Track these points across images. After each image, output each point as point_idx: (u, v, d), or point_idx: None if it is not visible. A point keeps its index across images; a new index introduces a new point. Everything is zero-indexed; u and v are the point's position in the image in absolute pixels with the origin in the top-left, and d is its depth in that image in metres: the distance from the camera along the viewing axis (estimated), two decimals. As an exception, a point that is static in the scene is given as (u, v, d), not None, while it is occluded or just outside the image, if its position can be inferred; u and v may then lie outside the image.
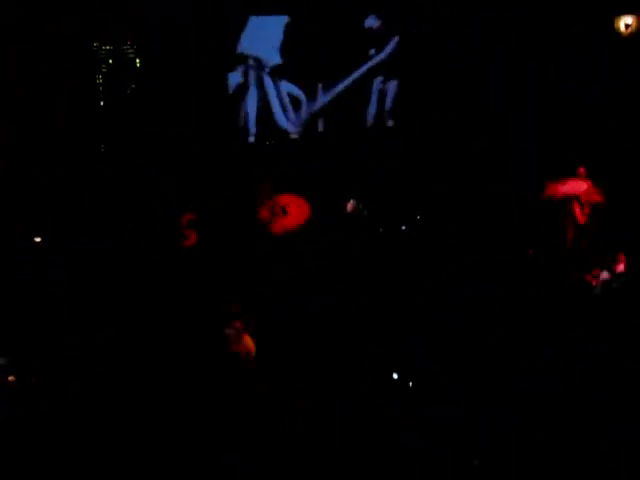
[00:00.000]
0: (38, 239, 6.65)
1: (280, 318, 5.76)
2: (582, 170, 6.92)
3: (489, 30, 7.67)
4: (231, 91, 8.07)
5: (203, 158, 7.74)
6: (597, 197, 6.93)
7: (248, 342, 5.16)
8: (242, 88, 8.11)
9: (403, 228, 7.21)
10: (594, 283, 6.15)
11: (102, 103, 7.74)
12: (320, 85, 8.18)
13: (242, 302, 5.55)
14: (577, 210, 6.92)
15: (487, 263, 6.55)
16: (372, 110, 8.27)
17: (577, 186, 6.93)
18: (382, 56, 8.16)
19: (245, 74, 8.13)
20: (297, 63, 8.12)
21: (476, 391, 4.75)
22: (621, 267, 6.16)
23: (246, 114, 8.14)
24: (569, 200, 6.94)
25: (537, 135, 7.68)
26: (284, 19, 8.00)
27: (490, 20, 7.61)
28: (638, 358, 4.98)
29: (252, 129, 8.18)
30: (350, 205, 7.34)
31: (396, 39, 8.09)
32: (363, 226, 7.16)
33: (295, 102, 8.23)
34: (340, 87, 8.21)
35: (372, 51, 8.16)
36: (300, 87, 8.21)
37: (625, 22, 7.28)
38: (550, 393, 4.68)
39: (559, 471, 4.14)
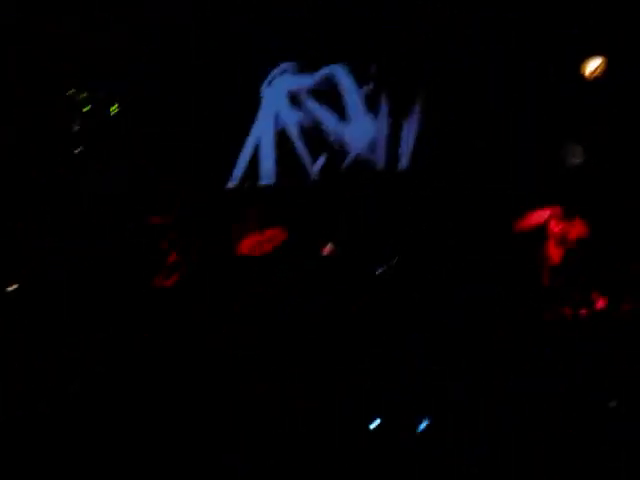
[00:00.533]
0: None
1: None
2: (559, 209, 6.66)
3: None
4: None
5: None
6: (576, 231, 6.76)
7: None
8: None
9: (379, 272, 7.03)
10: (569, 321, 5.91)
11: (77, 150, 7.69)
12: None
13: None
14: (552, 249, 6.75)
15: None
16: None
17: (541, 215, 6.77)
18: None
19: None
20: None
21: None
22: (601, 304, 5.94)
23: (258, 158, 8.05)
24: (542, 238, 6.79)
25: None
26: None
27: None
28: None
29: (270, 172, 8.06)
30: (327, 249, 7.18)
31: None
32: (339, 269, 7.00)
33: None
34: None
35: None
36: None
37: (590, 66, 7.29)
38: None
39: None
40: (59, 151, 7.48)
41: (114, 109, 7.59)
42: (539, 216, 6.76)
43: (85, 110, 7.56)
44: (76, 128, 7.53)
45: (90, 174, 7.54)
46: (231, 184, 8.02)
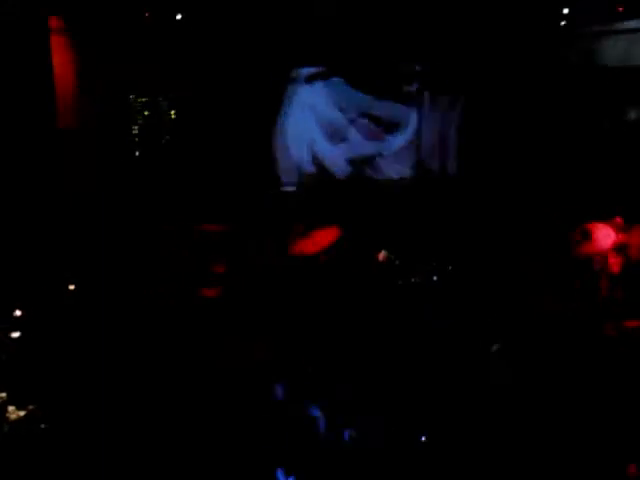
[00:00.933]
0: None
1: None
2: (619, 219, 6.41)
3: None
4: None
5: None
6: (635, 240, 6.56)
7: None
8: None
9: (435, 279, 6.98)
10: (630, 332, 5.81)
11: (137, 153, 7.81)
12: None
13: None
14: (611, 260, 6.59)
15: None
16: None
17: (605, 241, 6.40)
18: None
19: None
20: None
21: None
22: None
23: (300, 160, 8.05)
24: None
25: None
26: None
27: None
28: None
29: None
30: (382, 255, 7.13)
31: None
32: (394, 276, 6.98)
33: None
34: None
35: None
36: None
37: None
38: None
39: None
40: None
41: (173, 114, 7.75)
42: (604, 240, 6.44)
43: (146, 114, 7.70)
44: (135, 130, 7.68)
45: (141, 177, 7.66)
46: (279, 188, 8.09)
